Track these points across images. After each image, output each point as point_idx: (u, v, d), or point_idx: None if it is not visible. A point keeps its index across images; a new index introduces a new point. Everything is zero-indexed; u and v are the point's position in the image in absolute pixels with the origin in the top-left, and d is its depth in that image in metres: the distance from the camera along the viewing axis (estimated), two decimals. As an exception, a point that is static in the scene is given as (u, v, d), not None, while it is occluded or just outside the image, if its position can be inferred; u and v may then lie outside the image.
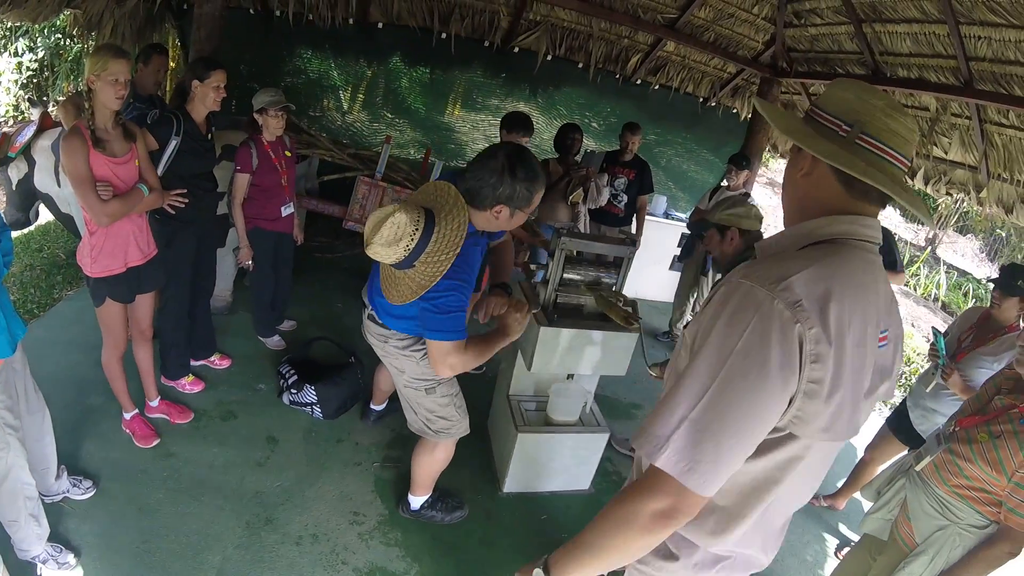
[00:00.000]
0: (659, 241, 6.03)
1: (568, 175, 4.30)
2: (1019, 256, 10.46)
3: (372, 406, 3.33)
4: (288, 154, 3.52)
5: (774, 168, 14.97)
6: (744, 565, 1.24)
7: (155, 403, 2.99)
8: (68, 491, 2.44)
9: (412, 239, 1.91)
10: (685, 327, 1.21)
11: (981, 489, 1.87)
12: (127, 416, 2.84)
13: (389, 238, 1.90)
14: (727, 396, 0.97)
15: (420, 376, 2.36)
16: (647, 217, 5.33)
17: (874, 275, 1.09)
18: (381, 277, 2.14)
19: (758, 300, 0.98)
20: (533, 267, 2.90)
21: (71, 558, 2.17)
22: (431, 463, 2.59)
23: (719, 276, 2.77)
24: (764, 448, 1.05)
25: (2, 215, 2.15)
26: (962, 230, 14.61)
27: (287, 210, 3.56)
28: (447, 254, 1.95)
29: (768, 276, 1.00)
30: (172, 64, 5.45)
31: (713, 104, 6.77)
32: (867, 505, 2.59)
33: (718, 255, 2.63)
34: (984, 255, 14.33)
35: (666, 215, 6.29)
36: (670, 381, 1.19)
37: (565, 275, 2.78)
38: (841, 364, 0.99)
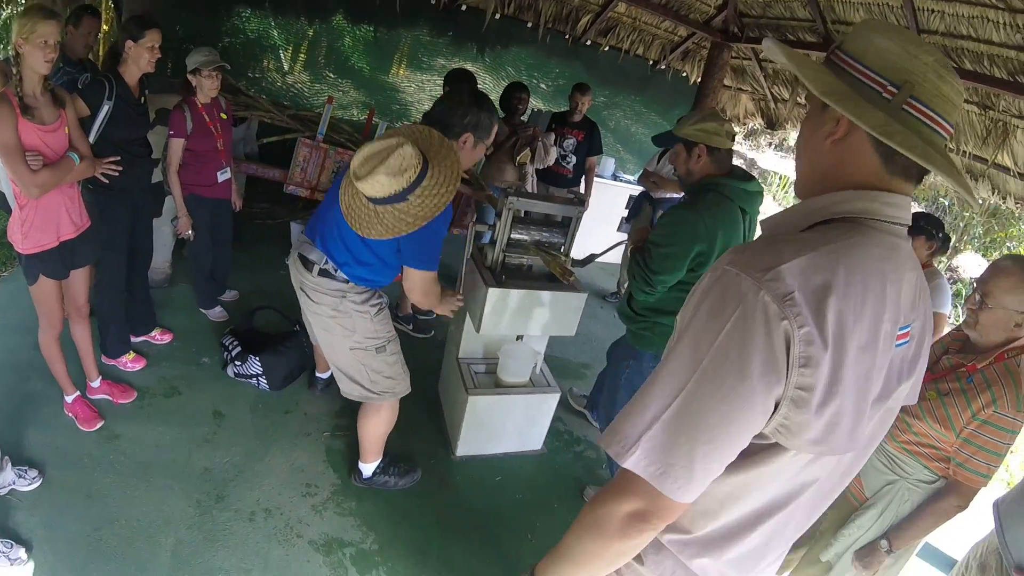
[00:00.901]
0: (607, 203, 6.07)
1: (515, 135, 4.27)
2: (961, 224, 10.82)
3: (318, 374, 3.31)
4: (224, 116, 3.39)
5: None
6: None
7: (96, 384, 2.89)
8: (14, 483, 2.34)
9: (415, 171, 1.97)
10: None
11: (930, 445, 1.93)
12: (68, 399, 2.74)
13: (396, 168, 1.94)
14: (702, 398, 0.85)
15: (372, 335, 2.37)
16: (595, 179, 5.34)
17: (897, 262, 0.92)
18: (351, 218, 2.10)
19: (742, 291, 0.84)
20: (479, 228, 2.90)
21: (22, 552, 2.11)
22: (377, 425, 2.60)
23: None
24: (745, 453, 0.91)
25: None
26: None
27: (223, 175, 3.45)
28: (448, 187, 2.04)
29: (757, 263, 0.85)
30: (105, 27, 5.15)
31: (663, 67, 6.75)
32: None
33: (683, 173, 2.41)
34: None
35: (614, 177, 6.31)
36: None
37: (513, 235, 2.77)
38: (840, 369, 0.85)
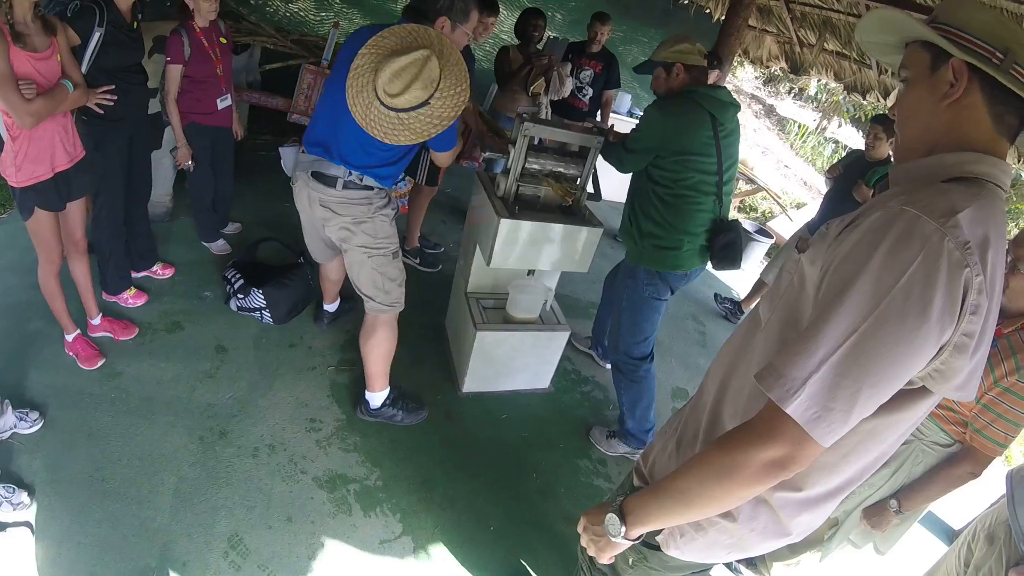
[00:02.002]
0: (623, 139, 5.83)
1: (530, 63, 4.05)
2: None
3: (325, 307, 3.25)
4: (223, 41, 3.22)
5: (740, 76, 14.46)
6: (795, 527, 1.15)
7: (97, 321, 2.84)
8: (15, 427, 2.32)
9: (439, 79, 2.02)
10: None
11: (948, 408, 1.87)
12: (69, 338, 2.69)
13: (429, 79, 1.99)
14: (878, 339, 0.85)
15: (388, 236, 2.44)
16: (611, 114, 5.10)
17: (1006, 229, 0.98)
18: (373, 129, 2.08)
19: (926, 234, 0.85)
20: (486, 153, 2.78)
21: (25, 497, 2.10)
22: (380, 343, 2.57)
23: None
24: (889, 402, 0.92)
25: None
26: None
27: (224, 102, 3.30)
28: (462, 84, 2.06)
29: (935, 207, 0.87)
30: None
31: (686, 2, 6.37)
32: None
33: (664, 92, 2.62)
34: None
35: (630, 113, 6.06)
36: (774, 309, 1.10)
37: (527, 165, 2.63)
38: (989, 318, 0.90)
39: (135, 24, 2.71)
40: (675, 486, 1.04)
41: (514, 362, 3.04)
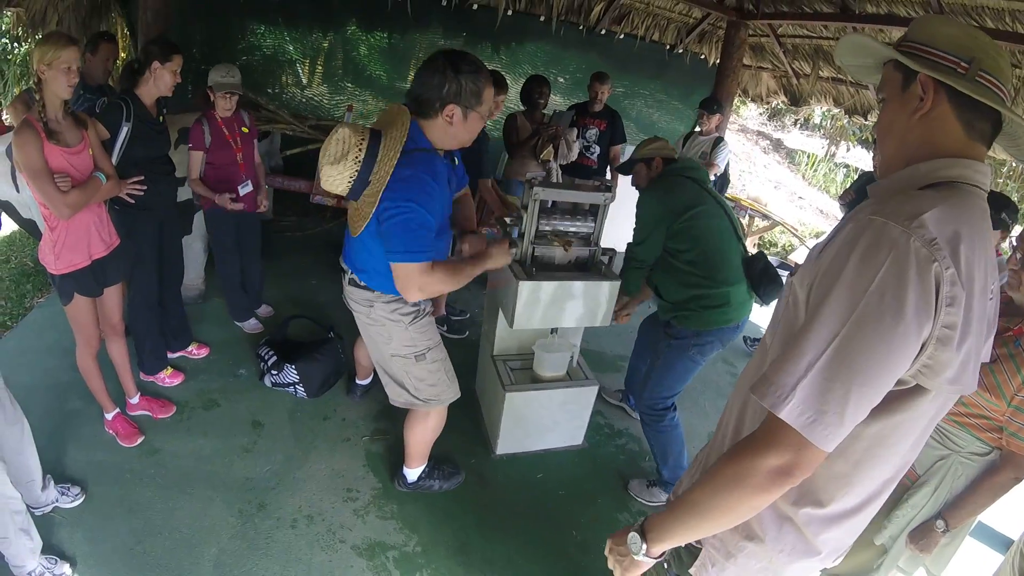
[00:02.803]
0: (634, 193, 5.94)
1: (538, 132, 4.22)
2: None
3: (357, 381, 3.29)
4: (245, 130, 3.41)
5: (744, 115, 14.83)
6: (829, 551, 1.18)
7: (135, 400, 2.92)
8: (57, 500, 2.38)
9: (360, 150, 1.91)
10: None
11: (980, 416, 1.83)
12: (108, 416, 2.78)
13: (336, 154, 1.90)
14: (858, 340, 0.91)
15: (409, 343, 2.30)
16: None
17: (988, 224, 1.02)
18: (352, 225, 2.07)
19: (893, 237, 0.91)
20: (509, 220, 2.87)
21: (67, 568, 2.13)
22: (424, 432, 2.55)
23: None
24: (885, 404, 0.98)
25: None
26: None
27: (244, 188, 3.45)
28: (392, 153, 1.91)
29: (900, 212, 0.93)
30: (123, 54, 5.27)
31: (680, 51, 6.64)
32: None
33: (645, 184, 2.88)
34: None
35: (639, 165, 6.20)
36: (775, 333, 1.16)
37: (541, 227, 2.72)
38: (971, 310, 0.94)
39: (160, 118, 2.88)
40: (690, 499, 1.07)
41: (545, 420, 3.04)
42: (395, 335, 2.29)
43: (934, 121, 1.03)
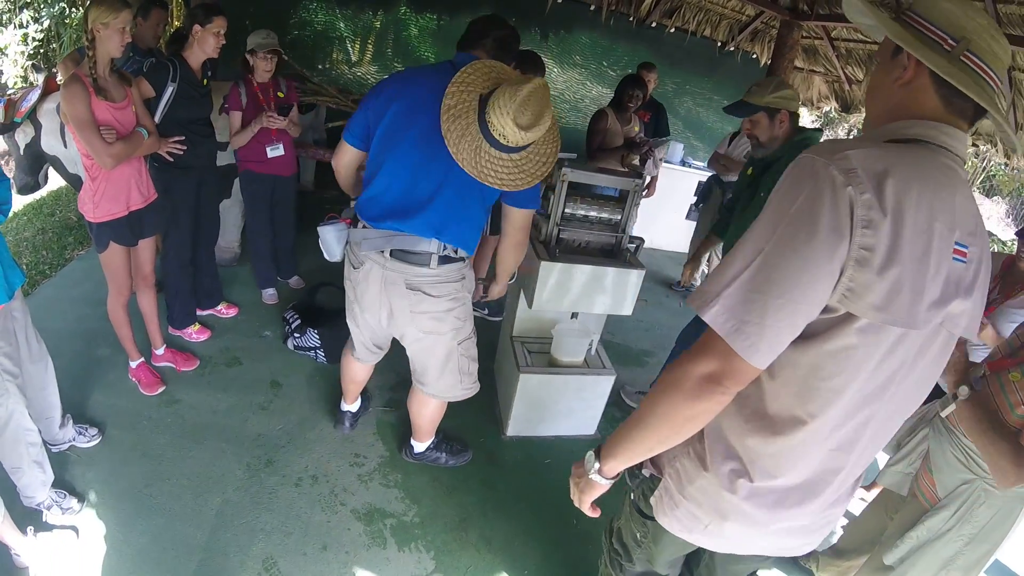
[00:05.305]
0: (675, 189, 5.88)
1: (631, 148, 4.12)
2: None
3: (345, 408, 2.87)
4: (280, 95, 3.46)
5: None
6: (781, 514, 1.19)
7: (161, 351, 3.01)
8: (74, 439, 2.47)
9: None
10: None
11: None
12: (133, 364, 2.87)
13: (550, 110, 1.84)
14: (776, 256, 0.97)
15: (467, 318, 2.25)
16: (664, 165, 5.16)
17: (952, 181, 1.03)
18: (489, 179, 1.88)
19: (815, 168, 0.98)
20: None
21: (74, 503, 2.21)
22: (435, 411, 2.55)
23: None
24: (816, 329, 1.03)
25: (12, 177, 2.15)
26: (988, 192, 13.83)
27: (274, 151, 3.46)
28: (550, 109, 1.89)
29: (829, 149, 1.00)
30: (177, 23, 5.39)
31: (731, 49, 6.51)
32: (884, 458, 2.47)
33: (767, 140, 2.59)
34: (1011, 219, 13.36)
35: (683, 163, 6.11)
36: None
37: (567, 210, 2.69)
38: (898, 239, 0.96)
39: (205, 82, 2.96)
40: (635, 414, 1.14)
41: (558, 406, 3.01)
42: (466, 311, 2.22)
43: (915, 91, 1.07)
